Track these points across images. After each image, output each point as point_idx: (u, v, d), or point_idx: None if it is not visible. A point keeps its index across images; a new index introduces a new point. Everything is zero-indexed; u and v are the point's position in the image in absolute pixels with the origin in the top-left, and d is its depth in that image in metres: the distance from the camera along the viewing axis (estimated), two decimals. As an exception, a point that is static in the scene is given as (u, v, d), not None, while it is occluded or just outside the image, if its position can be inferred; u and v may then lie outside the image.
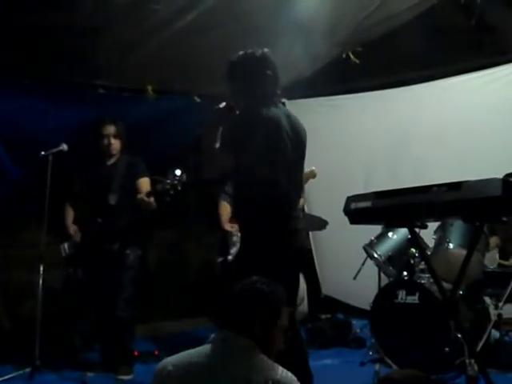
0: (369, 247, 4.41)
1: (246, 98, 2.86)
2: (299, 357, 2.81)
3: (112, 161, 4.31)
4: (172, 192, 3.82)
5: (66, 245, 4.26)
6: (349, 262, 4.88)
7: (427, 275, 3.99)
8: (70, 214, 4.35)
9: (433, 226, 4.11)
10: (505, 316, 3.89)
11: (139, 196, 4.01)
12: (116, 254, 4.10)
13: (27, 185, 4.41)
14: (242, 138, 2.75)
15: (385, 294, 4.10)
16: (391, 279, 4.39)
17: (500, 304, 3.74)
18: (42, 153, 4.10)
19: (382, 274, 4.51)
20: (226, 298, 2.14)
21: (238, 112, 2.87)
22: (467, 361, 2.67)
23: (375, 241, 4.39)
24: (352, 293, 5.46)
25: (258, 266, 2.44)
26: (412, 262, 4.17)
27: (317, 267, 6.09)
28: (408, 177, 4.89)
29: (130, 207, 4.09)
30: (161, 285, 5.58)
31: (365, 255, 4.52)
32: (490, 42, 4.95)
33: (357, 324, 4.96)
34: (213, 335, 2.08)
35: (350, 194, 2.83)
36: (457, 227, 4.02)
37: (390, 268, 4.36)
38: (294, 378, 1.98)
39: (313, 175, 4.46)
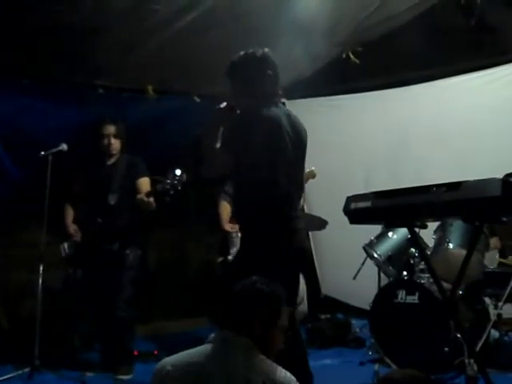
0: (368, 247, 4.41)
1: (246, 97, 2.85)
2: (299, 357, 2.81)
3: (112, 161, 4.30)
4: (172, 192, 3.82)
5: (65, 245, 4.26)
6: (348, 261, 4.89)
7: (427, 275, 4.00)
8: (69, 214, 4.34)
9: (432, 225, 4.11)
10: (504, 316, 3.90)
11: (139, 196, 4.01)
12: (116, 254, 4.10)
13: (27, 185, 4.42)
14: (243, 137, 2.75)
15: (384, 294, 4.10)
16: (391, 279, 4.39)
17: (500, 304, 3.74)
18: (42, 153, 4.10)
19: (382, 274, 4.52)
20: (226, 298, 2.14)
21: (238, 112, 2.87)
22: (467, 361, 2.68)
23: (375, 241, 4.40)
24: (352, 293, 5.46)
25: (258, 266, 2.45)
26: (412, 261, 4.17)
27: (316, 267, 6.10)
28: (408, 177, 4.89)
29: (129, 207, 4.08)
30: (161, 285, 5.58)
31: (364, 255, 4.52)
32: (490, 42, 4.96)
33: (356, 324, 4.96)
34: (212, 335, 2.08)
35: (350, 194, 2.83)
36: (456, 227, 4.02)
37: (390, 268, 4.36)
38: (294, 379, 1.98)
39: (312, 175, 4.47)
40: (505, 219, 2.52)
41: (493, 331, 3.84)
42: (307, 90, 5.65)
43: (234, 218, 4.69)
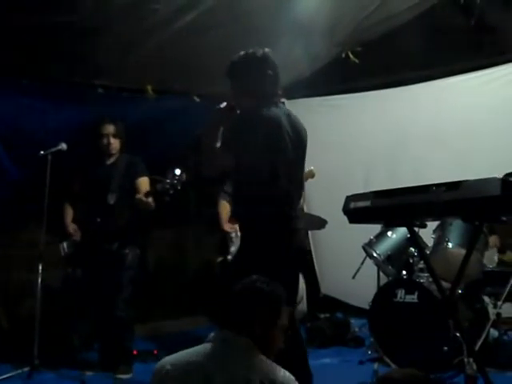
0: (368, 246, 4.41)
1: (246, 97, 2.86)
2: (299, 356, 2.81)
3: (111, 160, 4.31)
4: (171, 191, 3.82)
5: (64, 244, 4.26)
6: (348, 261, 4.89)
7: (426, 274, 4.00)
8: (69, 214, 4.35)
9: (432, 225, 4.12)
10: (504, 315, 3.90)
11: (137, 196, 4.01)
12: (115, 254, 4.11)
13: (26, 184, 4.42)
14: (243, 137, 2.75)
15: (384, 293, 4.11)
16: (390, 278, 4.39)
17: (499, 303, 3.75)
18: (41, 152, 4.10)
19: (381, 273, 4.52)
20: (225, 297, 2.14)
21: (238, 112, 2.87)
22: (466, 360, 2.68)
23: (374, 240, 4.40)
24: (351, 292, 5.47)
25: (257, 266, 2.44)
26: (411, 261, 4.18)
27: (316, 266, 6.10)
28: (407, 177, 4.90)
29: (129, 207, 4.08)
30: (160, 284, 5.58)
31: (364, 254, 4.53)
32: (490, 42, 4.96)
33: (356, 323, 4.97)
34: (212, 334, 2.08)
35: (349, 194, 2.84)
36: (456, 226, 4.03)
37: (389, 267, 4.37)
38: (294, 379, 1.98)
39: (311, 175, 4.47)
40: (504, 219, 2.52)
41: (492, 330, 3.85)
42: (307, 89, 5.65)
43: (233, 218, 4.70)
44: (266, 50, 2.89)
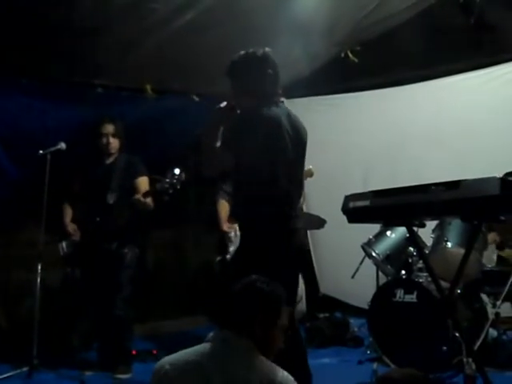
0: (367, 246, 4.42)
1: (246, 97, 2.85)
2: (299, 356, 2.81)
3: (111, 160, 4.30)
4: (171, 191, 3.83)
5: (64, 244, 4.25)
6: (347, 260, 4.89)
7: (425, 274, 4.00)
8: (68, 213, 4.34)
9: (431, 224, 4.12)
10: (502, 315, 3.91)
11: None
12: (114, 253, 4.10)
13: (25, 184, 4.41)
14: (243, 137, 2.75)
15: (383, 293, 4.11)
16: (389, 278, 4.40)
17: (498, 303, 3.75)
18: (41, 152, 4.10)
19: (380, 273, 4.52)
20: (225, 297, 2.14)
21: (238, 111, 2.87)
22: (465, 360, 2.68)
23: (373, 239, 4.40)
24: (350, 292, 5.47)
25: (257, 266, 2.44)
26: (410, 260, 4.18)
27: (315, 266, 6.10)
28: (406, 176, 4.88)
29: (128, 206, 4.08)
30: (159, 284, 5.58)
31: (363, 254, 4.53)
32: (489, 41, 4.95)
33: (355, 323, 4.97)
34: (211, 334, 2.08)
35: (348, 193, 2.83)
36: (455, 226, 4.03)
37: (388, 267, 4.37)
38: (293, 379, 1.98)
39: (310, 174, 4.47)
40: (503, 218, 2.52)
41: (491, 330, 3.85)
42: (306, 89, 5.65)
43: (231, 217, 4.70)
44: (267, 49, 2.89)
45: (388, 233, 4.39)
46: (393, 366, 3.83)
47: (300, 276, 3.35)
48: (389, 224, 3.91)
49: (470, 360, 2.64)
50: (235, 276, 2.31)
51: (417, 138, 5.20)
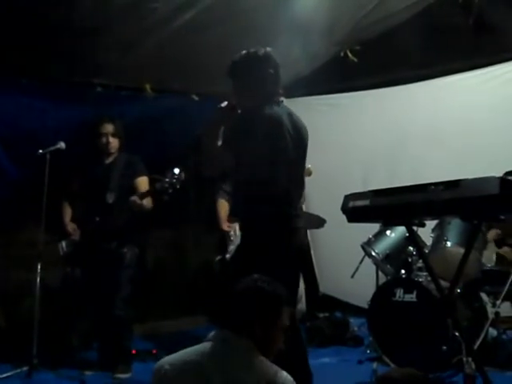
0: (367, 245, 4.42)
1: (248, 97, 2.86)
2: (299, 356, 2.80)
3: (110, 159, 4.30)
4: (170, 191, 3.83)
5: (63, 243, 4.25)
6: (347, 260, 4.89)
7: (425, 273, 4.00)
8: (67, 213, 4.34)
9: (431, 224, 4.12)
10: (502, 314, 3.91)
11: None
12: (114, 253, 4.11)
13: (25, 184, 4.41)
14: (244, 137, 2.75)
15: (382, 293, 4.11)
16: (389, 277, 4.40)
17: (497, 302, 3.75)
18: (40, 151, 4.09)
19: (380, 273, 4.52)
20: (226, 297, 2.14)
21: (239, 111, 2.87)
22: (465, 359, 2.68)
23: (373, 239, 4.40)
24: (350, 291, 5.46)
25: (257, 266, 2.44)
26: (410, 260, 4.18)
27: (315, 265, 6.10)
28: (406, 176, 4.89)
29: (127, 206, 4.08)
30: (159, 284, 5.58)
31: (363, 253, 4.53)
32: (488, 40, 4.95)
33: (354, 322, 4.96)
34: (211, 333, 2.08)
35: (348, 193, 2.83)
36: (454, 225, 4.03)
37: (388, 266, 4.37)
38: (292, 380, 1.97)
39: (309, 173, 4.45)
40: (503, 217, 2.52)
41: (491, 329, 3.84)
42: (305, 88, 5.65)
43: (231, 217, 4.70)
44: (268, 49, 2.89)
45: (388, 232, 4.39)
46: (392, 365, 3.83)
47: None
48: (388, 223, 3.91)
49: (470, 359, 2.64)
50: (235, 276, 2.31)
51: (416, 138, 5.20)
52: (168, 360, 2.04)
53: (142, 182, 4.22)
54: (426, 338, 3.70)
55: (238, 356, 1.97)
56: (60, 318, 4.50)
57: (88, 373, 4.01)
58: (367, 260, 4.52)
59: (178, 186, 3.82)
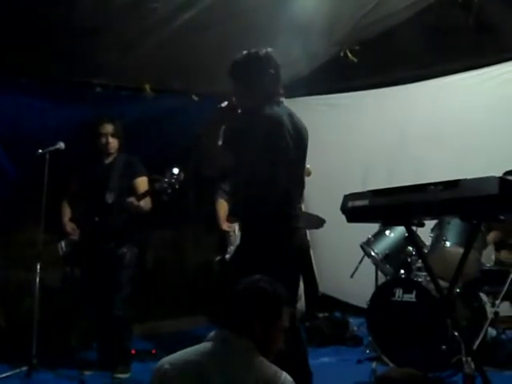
0: (366, 245, 4.42)
1: (248, 97, 2.86)
2: (299, 356, 2.80)
3: (109, 159, 4.30)
4: (170, 190, 3.83)
5: (63, 243, 4.25)
6: (346, 260, 4.89)
7: (424, 273, 4.00)
8: (67, 213, 4.34)
9: (430, 224, 4.12)
10: (501, 314, 3.91)
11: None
12: (113, 253, 4.10)
13: (25, 184, 4.41)
14: (244, 137, 2.75)
15: (382, 292, 4.11)
16: (388, 277, 4.40)
17: (497, 302, 3.75)
18: (39, 151, 4.09)
19: (379, 272, 4.53)
20: (226, 297, 2.14)
21: (240, 111, 2.87)
22: (464, 359, 2.68)
23: (372, 239, 4.40)
24: (349, 291, 5.47)
25: (257, 266, 2.44)
26: (409, 260, 4.18)
27: (314, 265, 6.10)
28: (406, 176, 4.89)
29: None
30: (158, 283, 5.58)
31: (362, 253, 4.53)
32: (488, 41, 4.96)
33: (354, 322, 4.97)
34: (211, 333, 2.08)
35: (348, 193, 2.84)
36: (454, 225, 4.03)
37: (387, 266, 4.37)
38: (292, 380, 1.98)
39: (308, 173, 4.44)
40: (502, 217, 2.52)
41: (490, 329, 3.85)
42: (305, 88, 5.65)
43: (230, 216, 4.70)
44: (269, 49, 2.90)
45: (387, 232, 4.39)
46: (392, 365, 3.83)
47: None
48: (388, 223, 3.91)
49: (469, 359, 2.64)
50: (235, 276, 2.31)
51: (415, 138, 5.21)
52: (168, 360, 2.04)
53: (142, 183, 4.22)
54: (426, 338, 3.70)
55: (238, 356, 1.97)
56: (59, 317, 4.51)
57: (87, 373, 4.01)
58: (366, 260, 4.52)
59: (177, 186, 3.82)
